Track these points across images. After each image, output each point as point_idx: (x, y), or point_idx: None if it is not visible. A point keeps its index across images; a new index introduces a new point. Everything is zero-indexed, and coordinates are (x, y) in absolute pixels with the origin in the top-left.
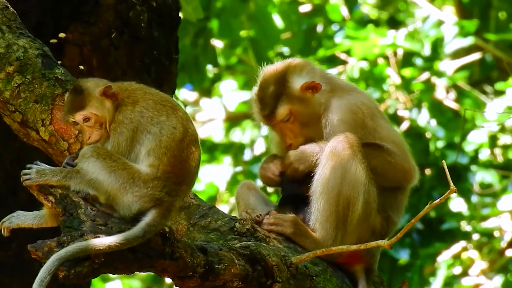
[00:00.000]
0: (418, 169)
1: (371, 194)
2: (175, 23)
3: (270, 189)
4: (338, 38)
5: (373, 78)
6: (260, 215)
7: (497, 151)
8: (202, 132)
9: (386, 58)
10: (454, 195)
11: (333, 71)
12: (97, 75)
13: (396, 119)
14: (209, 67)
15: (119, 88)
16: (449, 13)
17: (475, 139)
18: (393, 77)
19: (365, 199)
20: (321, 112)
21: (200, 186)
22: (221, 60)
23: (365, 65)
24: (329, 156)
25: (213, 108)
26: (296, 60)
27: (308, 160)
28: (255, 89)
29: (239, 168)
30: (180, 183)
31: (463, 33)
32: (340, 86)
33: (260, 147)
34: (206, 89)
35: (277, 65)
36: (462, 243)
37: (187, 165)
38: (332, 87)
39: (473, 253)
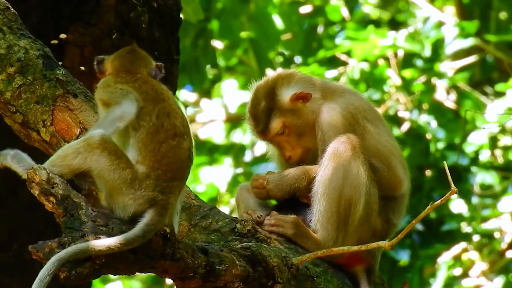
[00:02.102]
0: (406, 176)
1: (372, 195)
2: (176, 24)
3: None
4: (338, 39)
5: (373, 79)
6: (261, 215)
7: (498, 152)
8: (203, 133)
9: (386, 59)
10: (454, 196)
11: (333, 73)
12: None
13: (397, 120)
14: (209, 68)
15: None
16: (450, 14)
17: (475, 140)
18: (393, 78)
19: (366, 200)
20: (314, 120)
21: (201, 187)
22: (221, 61)
23: (365, 66)
24: (331, 157)
25: (214, 109)
26: (285, 71)
27: (285, 187)
28: (248, 106)
29: (239, 170)
30: (171, 179)
31: (464, 34)
32: (332, 90)
33: (260, 148)
34: (207, 90)
35: (267, 79)
36: (463, 244)
37: (171, 161)
38: (324, 92)
39: (473, 254)
